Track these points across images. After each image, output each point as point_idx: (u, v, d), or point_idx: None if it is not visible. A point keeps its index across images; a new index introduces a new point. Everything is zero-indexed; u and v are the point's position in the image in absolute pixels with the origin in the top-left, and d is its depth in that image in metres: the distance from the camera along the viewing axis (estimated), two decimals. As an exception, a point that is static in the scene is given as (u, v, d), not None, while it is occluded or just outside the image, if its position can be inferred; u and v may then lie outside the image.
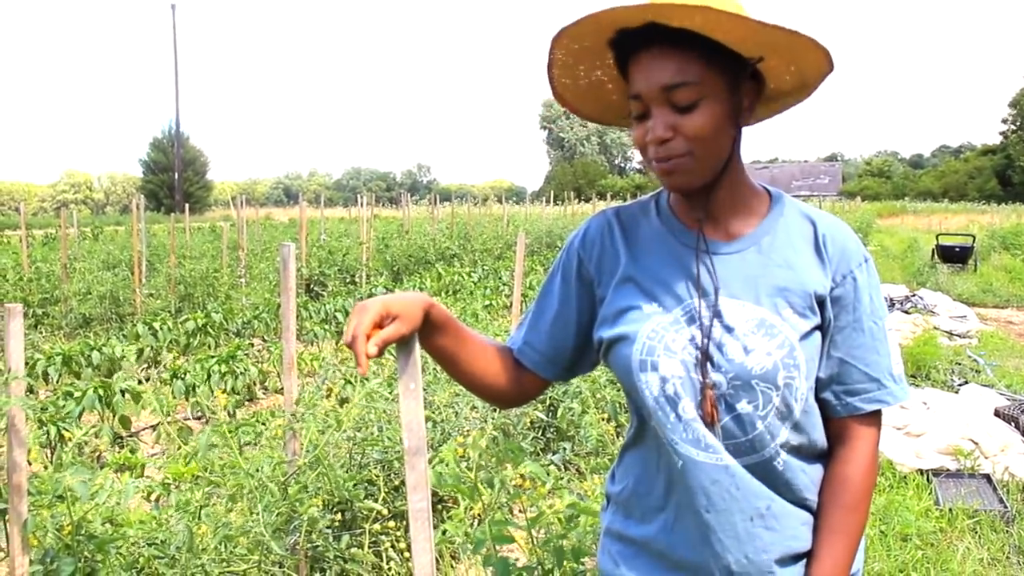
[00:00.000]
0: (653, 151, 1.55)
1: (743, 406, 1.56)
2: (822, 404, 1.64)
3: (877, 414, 1.65)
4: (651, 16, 1.46)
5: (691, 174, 1.56)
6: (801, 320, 1.58)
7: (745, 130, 1.65)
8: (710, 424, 1.56)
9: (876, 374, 1.62)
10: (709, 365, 1.56)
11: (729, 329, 1.57)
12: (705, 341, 1.57)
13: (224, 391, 7.24)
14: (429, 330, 1.64)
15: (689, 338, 1.58)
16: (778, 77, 1.61)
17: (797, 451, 1.61)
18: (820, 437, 1.65)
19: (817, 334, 1.60)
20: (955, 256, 21.28)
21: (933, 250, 22.08)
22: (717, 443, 1.57)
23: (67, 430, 5.59)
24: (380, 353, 1.51)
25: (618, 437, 5.34)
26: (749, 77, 1.58)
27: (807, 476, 1.63)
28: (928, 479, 5.90)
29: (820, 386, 1.63)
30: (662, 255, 1.68)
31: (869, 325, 1.62)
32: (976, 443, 6.24)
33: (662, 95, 1.51)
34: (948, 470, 6.06)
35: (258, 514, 3.45)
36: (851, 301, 1.62)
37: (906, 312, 13.10)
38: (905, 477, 5.96)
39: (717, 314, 1.58)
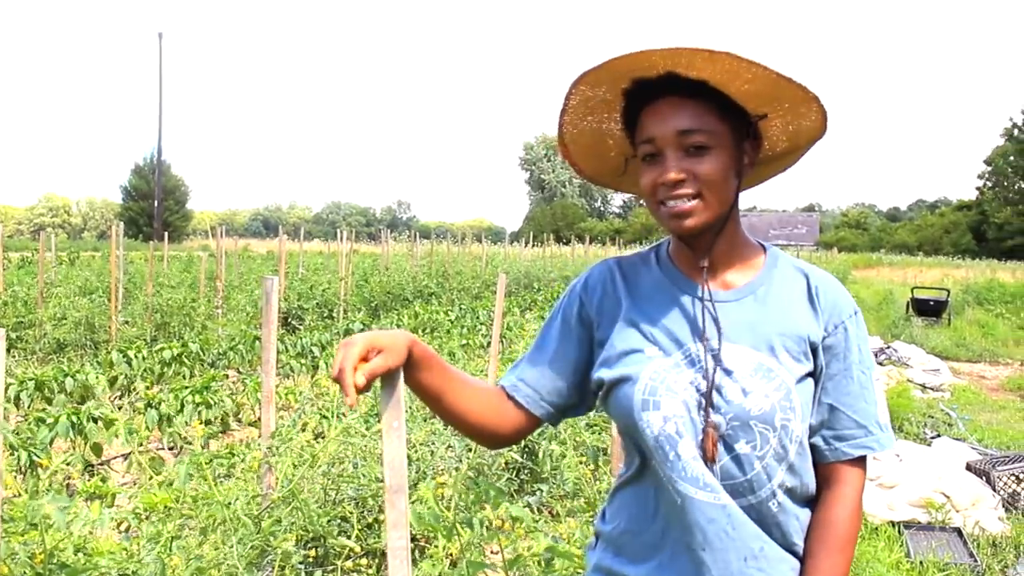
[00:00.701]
0: (663, 193, 1.64)
1: (741, 447, 1.61)
2: (811, 449, 1.70)
3: (863, 460, 1.71)
4: (671, 66, 1.57)
5: (699, 217, 1.63)
6: (797, 365, 1.65)
7: None
8: (709, 464, 1.62)
9: (864, 421, 1.68)
10: (710, 407, 1.62)
11: (728, 372, 1.64)
12: (707, 383, 1.63)
13: (199, 422, 7.19)
14: (413, 367, 1.65)
15: (690, 380, 1.65)
16: (774, 137, 1.73)
17: (791, 493, 1.66)
18: (811, 481, 1.70)
19: (811, 380, 1.67)
20: (929, 310, 21.43)
21: (908, 303, 22.23)
22: (715, 482, 1.62)
23: (39, 457, 5.53)
24: (367, 385, 1.52)
25: (595, 481, 5.34)
26: (750, 136, 1.68)
27: (798, 521, 1.68)
28: (900, 531, 5.92)
29: (810, 431, 1.69)
30: (663, 302, 1.74)
31: (858, 374, 1.69)
32: (948, 496, 6.27)
33: (677, 139, 1.61)
34: (919, 523, 6.09)
35: (231, 546, 3.43)
36: (842, 350, 1.69)
37: (880, 364, 13.15)
38: (877, 528, 5.98)
39: (717, 358, 1.64)
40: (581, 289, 1.85)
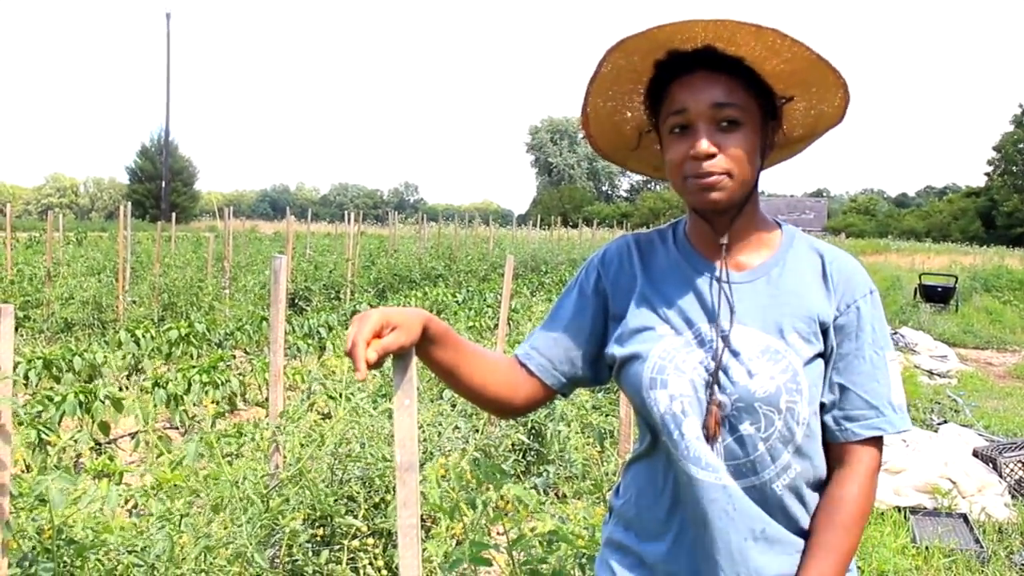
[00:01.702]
0: (691, 167, 1.63)
1: (746, 427, 1.62)
2: (823, 428, 1.69)
3: (877, 441, 1.69)
4: (712, 39, 1.57)
5: (724, 192, 1.63)
6: (805, 346, 1.64)
7: None
8: (712, 442, 1.62)
9: (875, 402, 1.66)
10: (716, 386, 1.63)
11: (735, 353, 1.64)
12: (713, 363, 1.64)
13: (211, 401, 7.23)
14: (428, 344, 1.65)
15: (699, 360, 1.66)
16: (795, 121, 1.73)
17: (798, 477, 1.66)
18: (821, 464, 1.69)
19: (821, 361, 1.67)
20: (937, 296, 21.38)
21: (916, 289, 22.19)
22: (718, 462, 1.63)
23: (48, 434, 5.55)
24: (379, 362, 1.51)
25: (602, 462, 5.34)
26: (772, 117, 1.68)
27: (804, 505, 1.68)
28: (906, 516, 5.93)
29: (822, 411, 1.68)
30: (676, 281, 1.75)
31: (870, 354, 1.68)
32: (954, 482, 6.27)
33: (710, 112, 1.60)
34: (925, 508, 6.09)
35: (241, 525, 3.44)
36: (854, 329, 1.68)
37: (887, 350, 13.13)
38: (883, 514, 5.98)
39: (725, 338, 1.65)
40: (599, 262, 1.86)
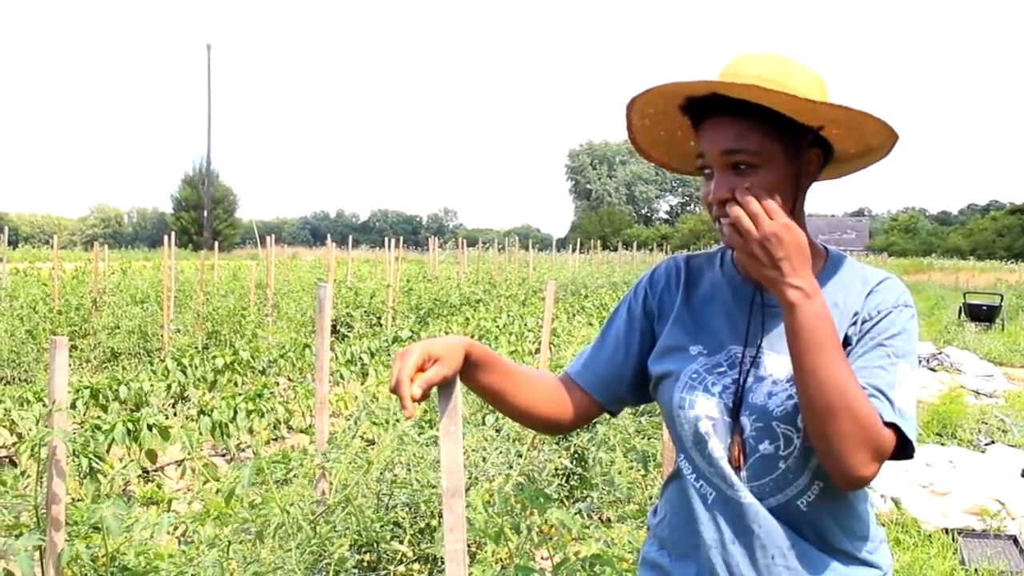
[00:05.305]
0: (715, 210, 1.64)
1: (766, 447, 1.63)
2: None
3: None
4: (714, 87, 1.57)
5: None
6: None
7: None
8: (736, 467, 1.65)
9: (883, 388, 1.56)
10: (740, 409, 1.65)
11: (761, 379, 1.66)
12: (740, 387, 1.66)
13: (264, 428, 7.31)
14: (472, 370, 1.69)
15: (727, 383, 1.68)
16: (841, 143, 1.68)
17: (821, 494, 1.65)
18: None
19: None
20: (982, 315, 21.12)
21: (960, 308, 21.93)
22: (741, 483, 1.65)
23: (100, 463, 5.63)
24: (425, 396, 1.55)
25: (646, 486, 5.34)
26: (813, 143, 1.65)
27: (833, 521, 1.67)
28: (953, 538, 5.86)
29: None
30: (717, 304, 1.78)
31: (887, 351, 1.60)
32: (1003, 503, 6.21)
33: (722, 159, 1.61)
34: (974, 530, 6.03)
35: (289, 551, 3.47)
36: (876, 329, 1.62)
37: (932, 370, 13.03)
38: (930, 536, 5.93)
39: (756, 363, 1.67)
40: (647, 282, 1.90)
